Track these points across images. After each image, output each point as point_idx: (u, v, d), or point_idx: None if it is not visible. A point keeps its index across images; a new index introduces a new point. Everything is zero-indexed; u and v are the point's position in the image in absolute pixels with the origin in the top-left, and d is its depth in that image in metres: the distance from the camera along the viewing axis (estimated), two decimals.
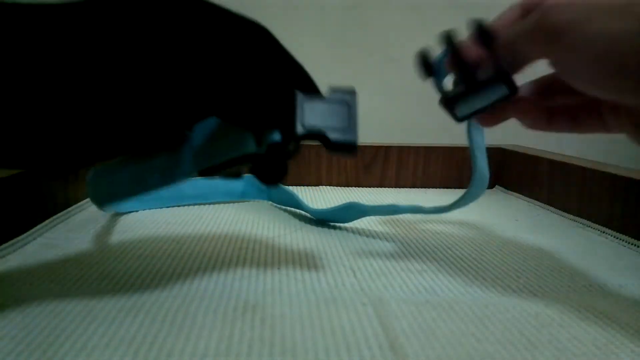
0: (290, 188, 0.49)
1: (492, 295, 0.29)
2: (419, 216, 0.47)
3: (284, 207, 0.50)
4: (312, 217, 0.45)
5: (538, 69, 0.27)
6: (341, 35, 0.66)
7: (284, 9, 0.66)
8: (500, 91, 0.26)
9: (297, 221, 0.44)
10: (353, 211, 0.42)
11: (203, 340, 0.22)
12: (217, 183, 0.51)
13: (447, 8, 0.65)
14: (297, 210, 0.48)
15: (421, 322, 0.24)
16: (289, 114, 0.25)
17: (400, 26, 0.66)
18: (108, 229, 0.40)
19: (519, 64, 0.26)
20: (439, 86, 0.29)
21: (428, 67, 0.28)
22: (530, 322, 0.25)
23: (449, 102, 0.27)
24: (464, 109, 0.27)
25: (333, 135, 0.25)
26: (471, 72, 0.26)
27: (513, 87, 0.26)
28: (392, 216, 0.47)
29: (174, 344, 0.21)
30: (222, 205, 0.50)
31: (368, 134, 0.78)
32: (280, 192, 0.50)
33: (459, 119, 0.28)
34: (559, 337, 0.23)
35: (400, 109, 0.68)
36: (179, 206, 0.49)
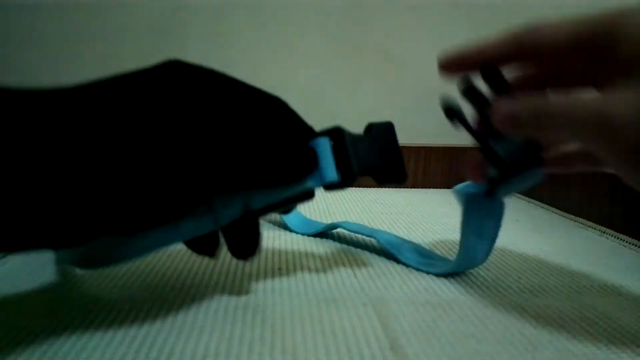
0: None
1: (493, 295, 0.29)
2: (419, 216, 0.47)
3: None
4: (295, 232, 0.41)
5: None
6: (341, 35, 0.66)
7: (284, 8, 0.66)
8: (536, 177, 0.26)
9: None
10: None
11: (203, 341, 0.22)
12: None
13: (447, 8, 0.65)
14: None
15: (421, 322, 0.24)
16: (345, 159, 0.27)
17: (400, 26, 0.66)
18: None
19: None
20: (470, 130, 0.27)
21: (456, 117, 0.27)
22: (530, 323, 0.25)
23: (491, 183, 0.28)
24: (503, 192, 0.28)
25: (381, 172, 0.29)
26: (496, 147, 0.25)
27: (542, 172, 0.26)
28: (390, 216, 0.47)
29: (175, 345, 0.21)
30: None
31: None
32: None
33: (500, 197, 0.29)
34: (559, 337, 0.23)
35: (400, 109, 0.68)
36: None
